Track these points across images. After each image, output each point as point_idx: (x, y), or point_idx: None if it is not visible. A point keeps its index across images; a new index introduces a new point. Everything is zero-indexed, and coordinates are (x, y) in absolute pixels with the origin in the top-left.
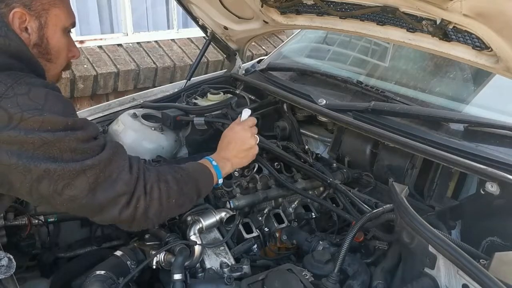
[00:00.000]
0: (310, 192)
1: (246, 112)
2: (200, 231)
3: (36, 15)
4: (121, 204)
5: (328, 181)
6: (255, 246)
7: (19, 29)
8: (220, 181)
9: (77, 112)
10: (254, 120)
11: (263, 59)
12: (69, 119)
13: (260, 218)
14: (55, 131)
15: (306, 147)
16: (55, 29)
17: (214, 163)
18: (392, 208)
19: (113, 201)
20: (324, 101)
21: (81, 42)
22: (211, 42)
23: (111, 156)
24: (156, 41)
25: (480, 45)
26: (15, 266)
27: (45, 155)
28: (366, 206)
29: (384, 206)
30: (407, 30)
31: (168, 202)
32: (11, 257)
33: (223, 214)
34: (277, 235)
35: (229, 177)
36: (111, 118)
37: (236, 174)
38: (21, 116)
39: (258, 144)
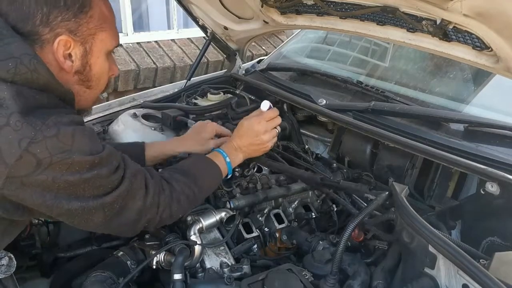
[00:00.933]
0: (310, 193)
1: (265, 104)
2: (200, 231)
3: (81, 41)
4: (133, 225)
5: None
6: (255, 246)
7: (62, 56)
8: (229, 175)
9: None
10: (274, 112)
11: (263, 59)
12: (96, 157)
13: (260, 218)
14: (82, 172)
15: (306, 146)
16: (99, 55)
17: (227, 159)
18: (386, 196)
19: (125, 225)
20: (324, 101)
21: None
22: (211, 42)
23: (129, 188)
24: (156, 41)
25: (480, 45)
26: (15, 266)
27: (69, 195)
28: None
29: (377, 196)
30: (407, 30)
31: (178, 215)
32: (12, 256)
33: (223, 214)
34: (277, 235)
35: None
36: (111, 118)
37: (236, 174)
38: (50, 160)
39: None
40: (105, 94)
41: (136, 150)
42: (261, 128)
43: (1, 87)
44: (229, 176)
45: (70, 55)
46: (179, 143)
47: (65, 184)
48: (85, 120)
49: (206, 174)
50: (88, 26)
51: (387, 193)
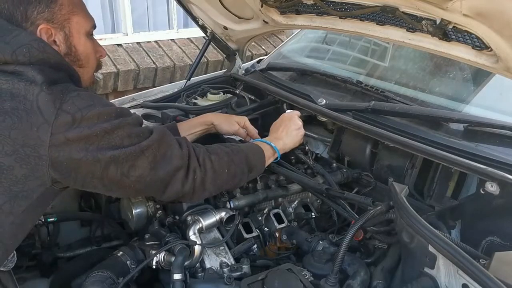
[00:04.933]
0: (309, 193)
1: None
2: (200, 231)
3: (59, 26)
4: (180, 178)
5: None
6: (255, 246)
7: (48, 43)
8: (278, 155)
9: None
10: (298, 112)
11: (262, 59)
12: (117, 108)
13: (260, 218)
14: (111, 119)
15: (307, 147)
16: (79, 36)
17: (272, 144)
18: (390, 205)
19: (173, 175)
20: (324, 101)
21: None
22: (211, 42)
23: (161, 137)
24: (156, 41)
25: (480, 45)
26: (15, 261)
27: (109, 145)
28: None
29: (382, 204)
30: (407, 30)
31: (221, 171)
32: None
33: (223, 214)
34: (277, 235)
35: None
36: None
37: None
38: (81, 115)
39: None
40: (100, 75)
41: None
42: (295, 117)
43: (26, 69)
44: (278, 159)
45: (54, 41)
46: (208, 116)
47: (102, 133)
48: None
49: (241, 143)
50: (61, 13)
51: (389, 203)
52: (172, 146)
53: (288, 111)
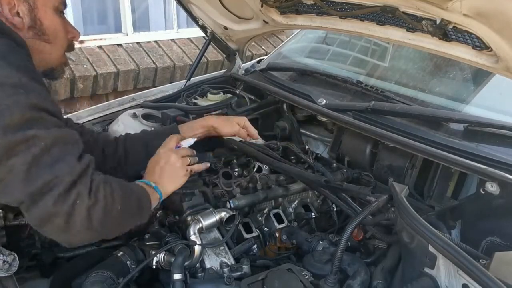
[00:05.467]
0: (309, 193)
1: (186, 142)
2: (200, 231)
3: None
4: (57, 191)
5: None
6: (255, 246)
7: (10, 14)
8: (160, 200)
9: (77, 112)
10: (175, 142)
11: (262, 59)
12: (23, 77)
13: (260, 218)
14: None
15: (307, 147)
16: (45, 9)
17: (152, 184)
18: (387, 199)
19: (48, 185)
20: (324, 101)
21: (81, 42)
22: (211, 42)
23: (61, 136)
24: (155, 41)
25: (480, 45)
26: (17, 265)
27: None
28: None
29: (379, 199)
30: (407, 30)
31: (113, 208)
32: (16, 256)
33: (223, 214)
34: (277, 235)
35: (229, 177)
36: (111, 118)
37: (236, 174)
38: None
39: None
40: (72, 57)
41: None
42: (166, 160)
43: None
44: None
45: (18, 13)
46: (209, 119)
47: None
48: (84, 120)
49: (140, 193)
50: None
51: (387, 196)
52: (70, 153)
53: (185, 142)
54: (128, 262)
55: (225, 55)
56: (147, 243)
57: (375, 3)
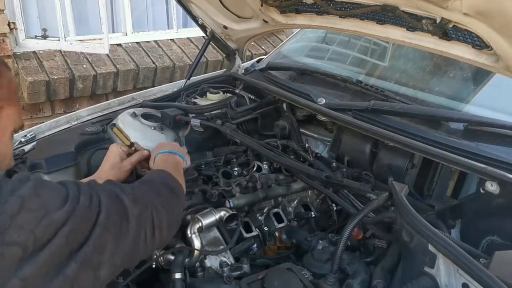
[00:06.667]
0: (309, 192)
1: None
2: (200, 230)
3: None
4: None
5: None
6: (255, 245)
7: None
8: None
9: (77, 112)
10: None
11: (262, 58)
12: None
13: (259, 217)
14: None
15: (307, 145)
16: (4, 132)
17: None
18: (387, 196)
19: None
20: (324, 101)
21: (81, 42)
22: (211, 42)
23: (109, 201)
24: (155, 41)
25: (480, 44)
26: None
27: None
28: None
29: (378, 197)
30: (407, 29)
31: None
32: None
33: (222, 213)
34: (277, 234)
35: (228, 176)
36: (110, 117)
37: (236, 173)
38: None
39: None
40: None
41: None
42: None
43: None
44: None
45: None
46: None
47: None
48: (84, 120)
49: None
50: None
51: (387, 193)
52: (120, 200)
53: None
54: None
55: (224, 55)
56: None
57: (375, 2)
